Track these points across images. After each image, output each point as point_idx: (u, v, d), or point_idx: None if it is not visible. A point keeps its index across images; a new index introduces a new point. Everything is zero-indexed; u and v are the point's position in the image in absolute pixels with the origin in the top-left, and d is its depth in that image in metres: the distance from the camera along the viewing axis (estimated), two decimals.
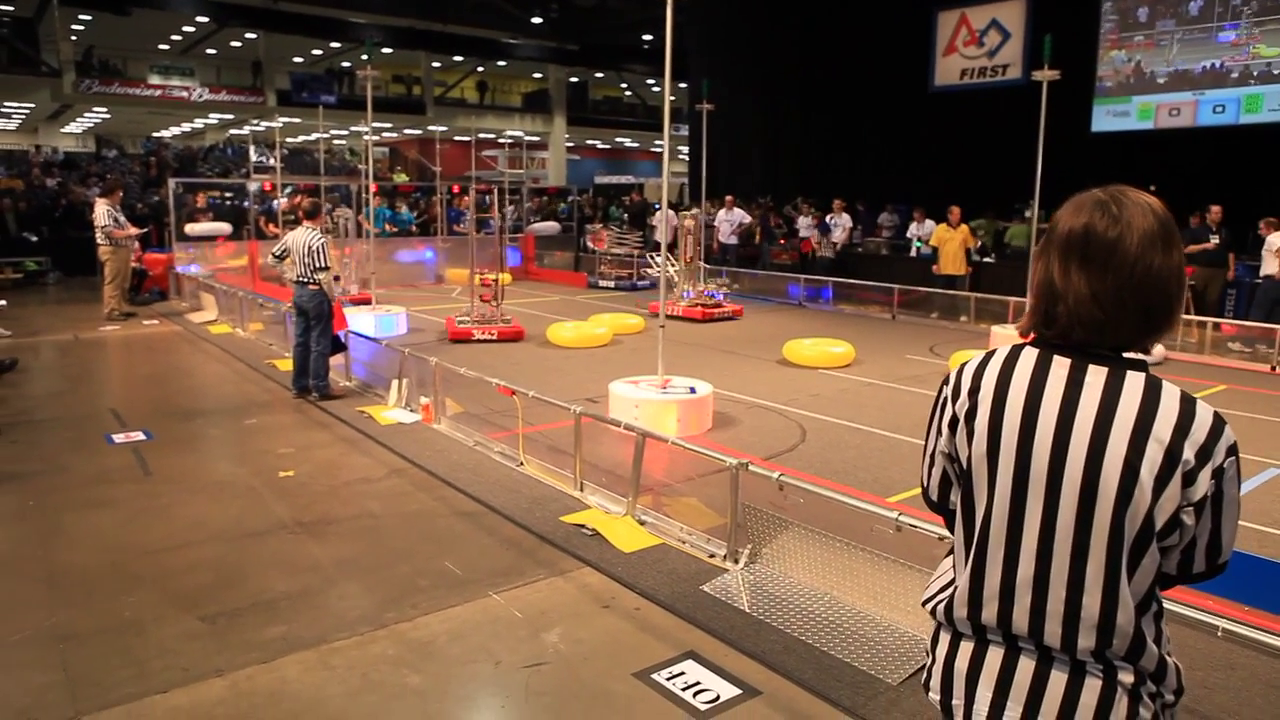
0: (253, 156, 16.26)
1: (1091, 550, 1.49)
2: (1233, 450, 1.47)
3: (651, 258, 14.07)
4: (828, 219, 16.88)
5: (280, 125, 37.01)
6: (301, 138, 41.70)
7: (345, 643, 3.78)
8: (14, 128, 36.63)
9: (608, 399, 7.16)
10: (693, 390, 7.03)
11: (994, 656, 1.63)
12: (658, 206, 21.89)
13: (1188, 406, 1.46)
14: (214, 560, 4.63)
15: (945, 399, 1.69)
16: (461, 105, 40.03)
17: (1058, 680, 1.56)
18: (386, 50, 35.67)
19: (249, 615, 4.02)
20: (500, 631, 3.90)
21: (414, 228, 18.00)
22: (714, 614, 4.02)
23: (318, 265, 7.72)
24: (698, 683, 3.47)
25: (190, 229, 14.75)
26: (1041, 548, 1.54)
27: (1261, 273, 11.17)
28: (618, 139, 45.43)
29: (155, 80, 31.13)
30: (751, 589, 4.23)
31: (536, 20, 34.26)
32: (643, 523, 5.04)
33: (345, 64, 38.49)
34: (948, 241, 13.25)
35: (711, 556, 4.61)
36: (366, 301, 12.40)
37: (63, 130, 36.90)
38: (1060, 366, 1.54)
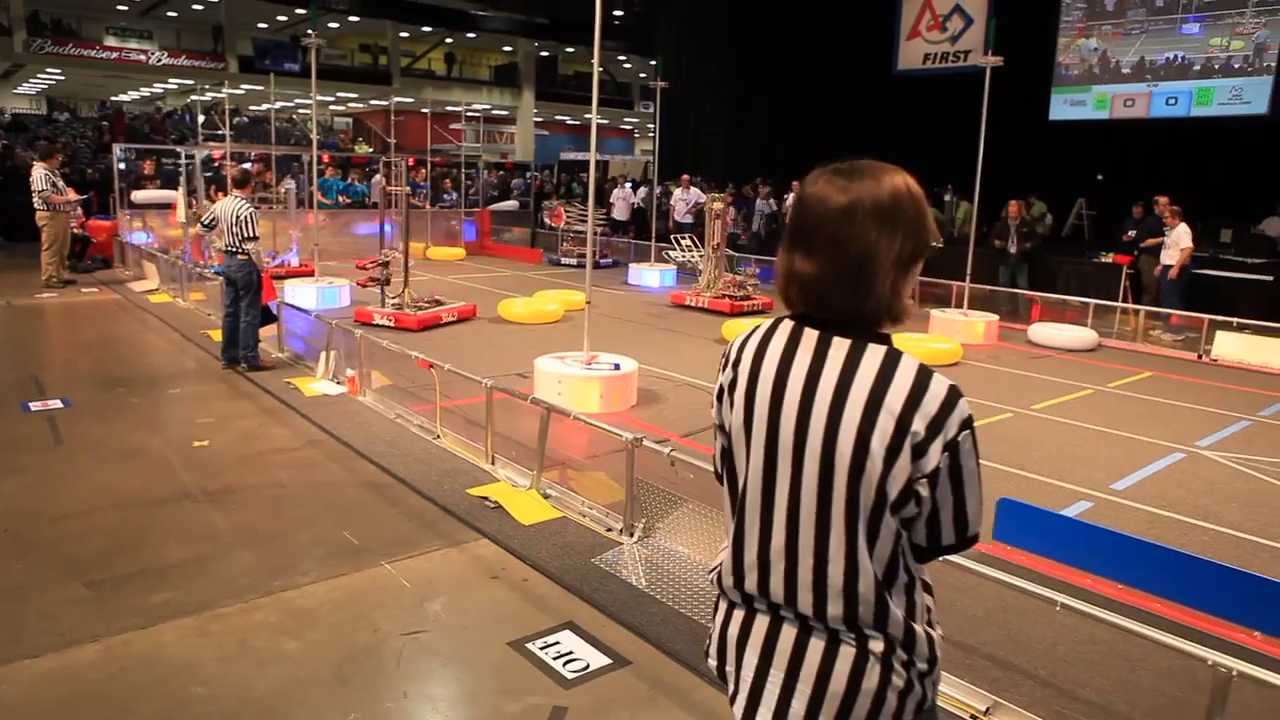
0: (201, 123, 15.98)
1: (833, 520, 1.53)
2: (967, 424, 1.49)
3: (677, 240, 13.53)
4: (777, 200, 16.94)
5: (243, 92, 36.50)
6: (266, 106, 41.05)
7: (228, 610, 3.81)
8: None
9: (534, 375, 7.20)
10: (617, 367, 7.08)
11: (760, 624, 1.67)
12: (630, 183, 21.84)
13: (922, 379, 1.48)
14: (111, 527, 4.62)
15: (719, 371, 1.73)
16: (429, 77, 39.57)
17: (815, 648, 1.60)
18: (353, 19, 35.16)
19: (137, 582, 4.03)
20: (385, 600, 3.94)
21: (368, 200, 17.81)
22: (600, 586, 4.09)
23: (246, 235, 7.65)
24: (570, 652, 3.54)
25: (138, 196, 14.51)
26: (790, 518, 1.57)
27: (1165, 261, 11.30)
28: (587, 115, 45.08)
29: (111, 42, 30.43)
30: (641, 562, 4.30)
31: None
32: (547, 496, 5.09)
33: (311, 31, 37.87)
34: None
35: (609, 530, 4.68)
36: (310, 273, 12.33)
37: (15, 91, 36.02)
38: (809, 339, 1.56)
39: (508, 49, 40.69)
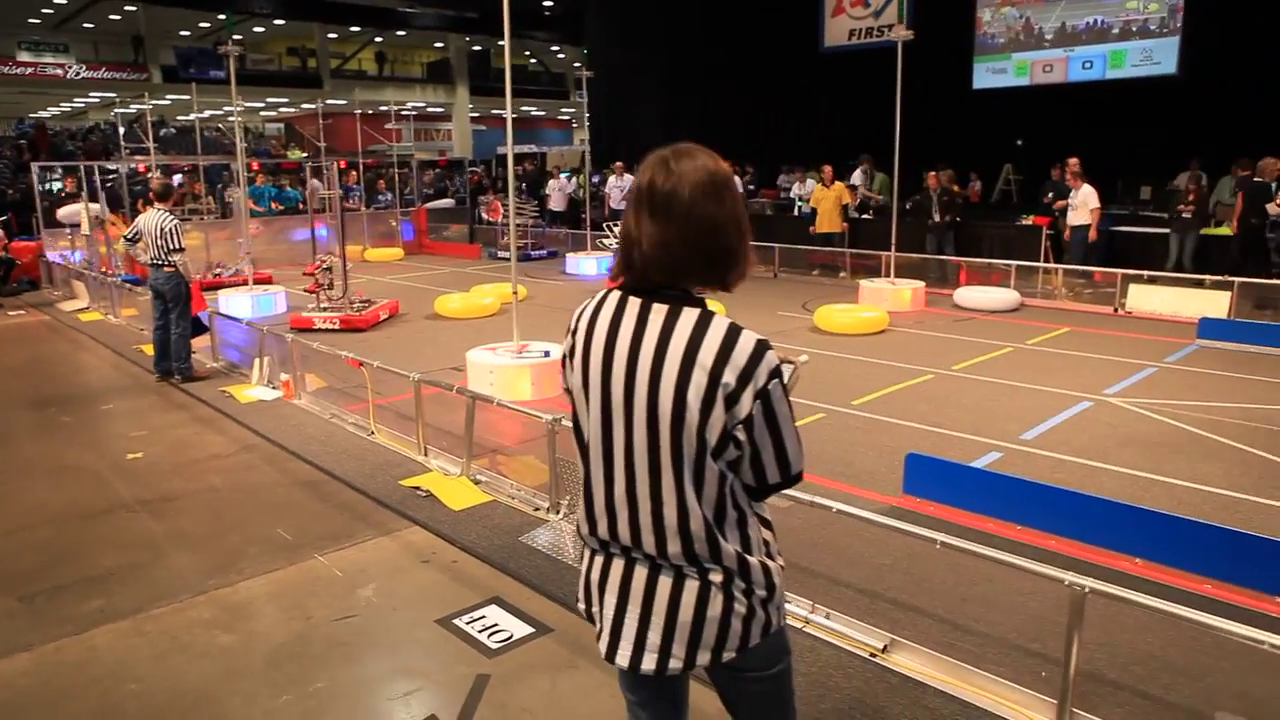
0: (123, 136, 15.73)
1: (663, 468, 1.72)
2: (775, 373, 1.68)
3: (609, 227, 13.57)
4: None
5: (169, 102, 35.71)
6: (195, 115, 40.26)
7: (162, 610, 3.90)
8: None
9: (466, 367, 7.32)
10: (547, 354, 7.22)
11: (616, 567, 1.86)
12: (568, 173, 21.89)
13: (731, 336, 1.66)
14: (44, 543, 4.67)
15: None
16: (361, 77, 39.13)
17: (664, 584, 1.79)
18: (279, 22, 34.63)
19: (71, 591, 4.10)
20: (318, 590, 4.06)
21: (301, 205, 17.67)
22: (526, 562, 4.25)
23: (171, 247, 7.64)
24: (495, 625, 3.70)
25: (62, 213, 14.27)
26: (627, 468, 1.77)
27: (1071, 223, 11.70)
28: (524, 107, 44.94)
29: (25, 57, 29.63)
30: (567, 536, 4.47)
31: None
32: (478, 482, 5.23)
33: (237, 36, 37.21)
34: (823, 200, 13.64)
35: (536, 509, 4.84)
36: (266, 280, 12.34)
37: None
38: (634, 306, 1.75)
39: (439, 45, 40.34)
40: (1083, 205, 11.39)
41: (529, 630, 3.66)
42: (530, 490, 4.99)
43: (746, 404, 1.65)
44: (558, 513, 4.73)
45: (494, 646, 3.53)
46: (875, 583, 3.98)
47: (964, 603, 3.81)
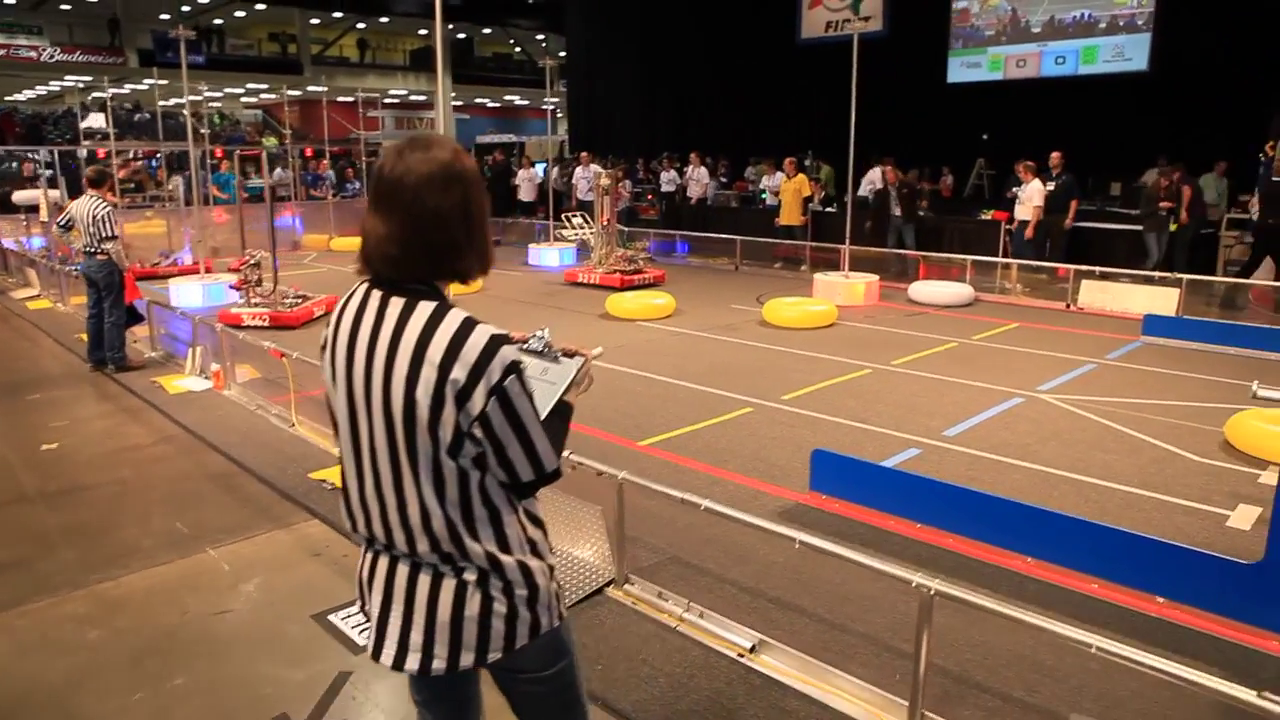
0: (83, 121, 15.56)
1: (402, 466, 1.69)
2: (511, 369, 1.64)
3: (568, 218, 13.50)
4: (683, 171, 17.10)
5: (146, 87, 35.38)
6: (174, 101, 39.89)
7: (37, 605, 3.84)
8: None
9: None
10: (537, 331, 7.14)
11: (381, 564, 1.83)
12: (544, 163, 21.70)
13: (464, 331, 1.62)
14: None
15: None
16: (343, 64, 38.85)
17: (424, 582, 1.77)
18: (260, 6, 34.34)
19: None
20: (201, 584, 4.01)
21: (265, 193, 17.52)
22: None
23: (104, 234, 7.54)
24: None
25: (18, 198, 14.11)
26: (372, 465, 1.74)
27: (1018, 217, 11.70)
28: (507, 97, 44.74)
29: None
30: None
31: None
32: None
33: (218, 21, 36.91)
34: (783, 193, 13.60)
35: None
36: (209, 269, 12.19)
37: None
38: (374, 300, 1.72)
39: (422, 32, 40.07)
40: (1028, 200, 11.41)
41: None
42: None
43: (479, 401, 1.62)
44: None
45: (363, 643, 3.46)
46: (761, 580, 3.95)
47: (844, 602, 3.78)
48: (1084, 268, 10.44)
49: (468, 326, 1.63)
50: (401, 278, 1.69)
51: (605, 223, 12.03)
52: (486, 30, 41.22)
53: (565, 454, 3.91)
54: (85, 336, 8.56)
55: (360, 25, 38.90)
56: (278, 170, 18.24)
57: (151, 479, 5.33)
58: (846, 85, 19.20)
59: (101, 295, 7.72)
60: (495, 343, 1.63)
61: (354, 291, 1.78)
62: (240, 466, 5.46)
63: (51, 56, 30.27)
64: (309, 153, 18.43)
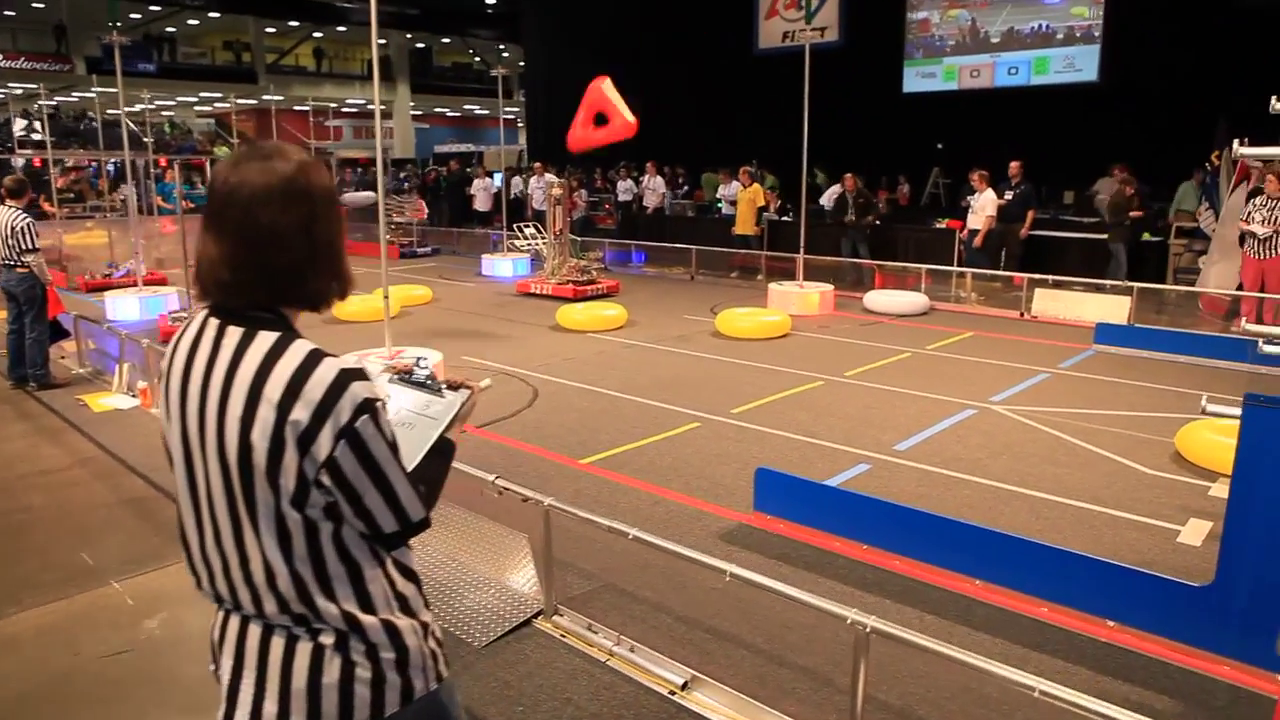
0: (17, 129, 15.05)
1: (242, 518, 1.47)
2: (364, 408, 1.42)
3: (520, 228, 13.20)
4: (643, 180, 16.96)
5: (94, 96, 34.65)
6: (127, 109, 39.04)
7: None
8: None
9: None
10: (420, 361, 6.89)
11: (233, 624, 1.61)
12: (500, 173, 21.44)
13: (307, 366, 1.41)
14: None
15: None
16: (299, 73, 38.34)
17: (277, 645, 1.54)
18: (214, 15, 33.76)
19: None
20: (100, 621, 3.73)
21: None
22: None
23: (24, 247, 7.19)
24: None
25: None
26: (210, 516, 1.52)
27: (970, 225, 11.74)
28: (466, 106, 44.43)
29: None
30: None
31: None
32: None
33: (171, 29, 36.25)
34: (739, 202, 13.50)
35: None
36: (160, 281, 11.83)
37: None
38: (211, 329, 1.50)
39: (382, 42, 39.63)
40: (980, 210, 11.44)
41: None
42: None
43: (325, 445, 1.40)
44: None
45: None
46: (699, 608, 3.75)
47: (785, 631, 3.60)
48: (1038, 276, 10.42)
49: (312, 360, 1.42)
50: (240, 305, 1.48)
51: (558, 232, 11.81)
52: (446, 40, 40.95)
53: (490, 478, 3.73)
54: (4, 353, 8.19)
55: (317, 34, 38.42)
56: None
57: (62, 506, 5.02)
58: (802, 95, 19.23)
59: (22, 310, 7.36)
60: (344, 378, 1.42)
61: (192, 319, 1.56)
62: (159, 490, 5.17)
63: None
64: None
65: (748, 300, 11.24)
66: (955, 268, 11.50)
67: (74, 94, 32.61)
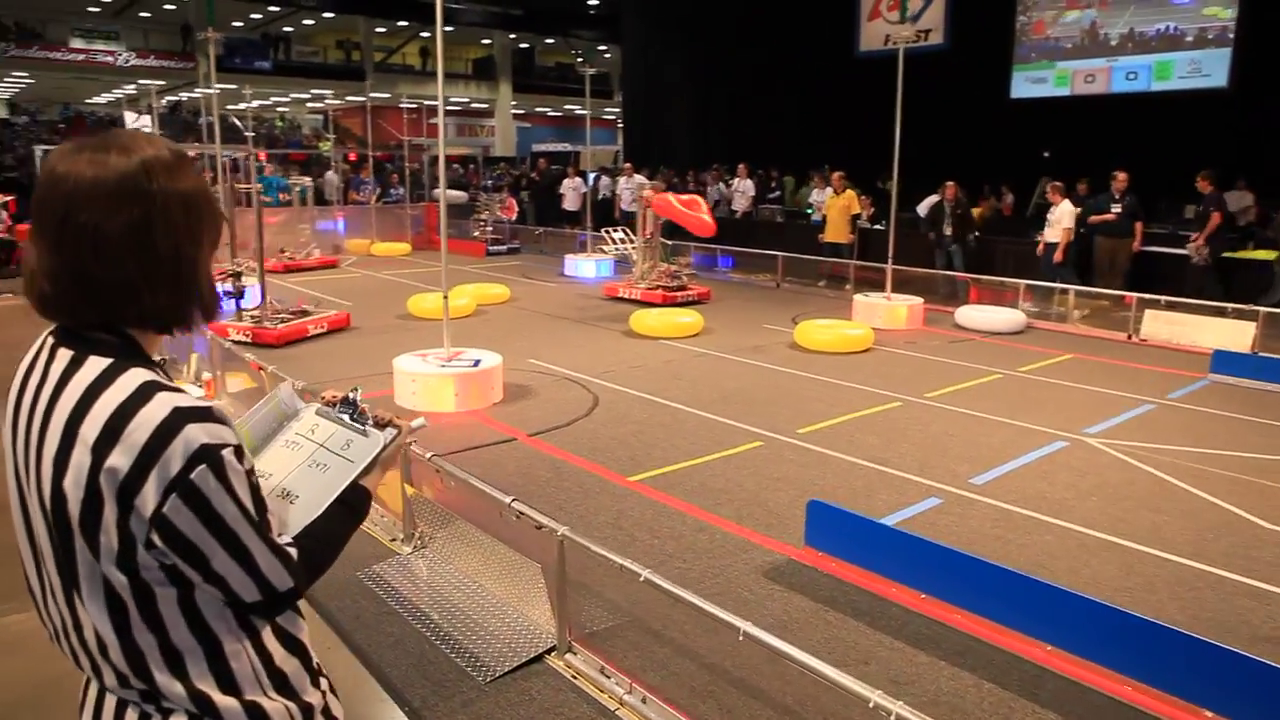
0: (130, 122, 15.68)
1: (69, 578, 1.23)
2: (203, 457, 1.16)
3: (609, 232, 13.01)
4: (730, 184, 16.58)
5: (217, 92, 36.19)
6: (244, 105, 40.72)
7: None
8: None
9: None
10: (477, 363, 6.73)
11: (92, 689, 1.37)
12: (594, 173, 21.41)
13: (134, 402, 1.16)
14: None
15: None
16: (406, 72, 39.22)
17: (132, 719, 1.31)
18: (328, 15, 34.84)
19: None
20: None
21: (309, 198, 17.51)
22: (350, 603, 3.76)
23: None
24: None
25: None
26: (45, 570, 1.28)
27: (1046, 239, 11.11)
28: (567, 106, 44.71)
29: (78, 44, 30.20)
30: (406, 575, 3.97)
31: None
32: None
33: (288, 29, 37.61)
34: (830, 208, 12.97)
35: (392, 539, 4.35)
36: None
37: None
38: (44, 352, 1.27)
39: (486, 42, 40.27)
40: (1057, 223, 10.90)
41: None
42: (395, 516, 4.50)
43: (151, 499, 1.15)
44: (409, 546, 4.23)
45: None
46: (728, 655, 3.40)
47: (821, 691, 3.19)
48: (1149, 296, 9.61)
49: (141, 395, 1.16)
50: (73, 323, 1.24)
51: (648, 236, 11.48)
52: (549, 40, 41.28)
53: (507, 500, 3.45)
54: None
55: (424, 34, 39.22)
56: (329, 173, 18.21)
57: None
58: (907, 99, 18.52)
59: None
60: (176, 419, 1.15)
61: (39, 340, 1.32)
62: None
63: (127, 61, 31.10)
64: (352, 158, 18.36)
65: (834, 311, 10.74)
66: (1058, 284, 10.73)
67: (195, 90, 34.07)
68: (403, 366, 6.67)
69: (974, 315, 10.00)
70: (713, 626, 3.55)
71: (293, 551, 1.30)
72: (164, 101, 37.74)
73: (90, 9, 31.14)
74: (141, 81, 34.79)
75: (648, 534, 4.51)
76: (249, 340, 8.69)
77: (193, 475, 1.15)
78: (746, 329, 9.87)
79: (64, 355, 1.22)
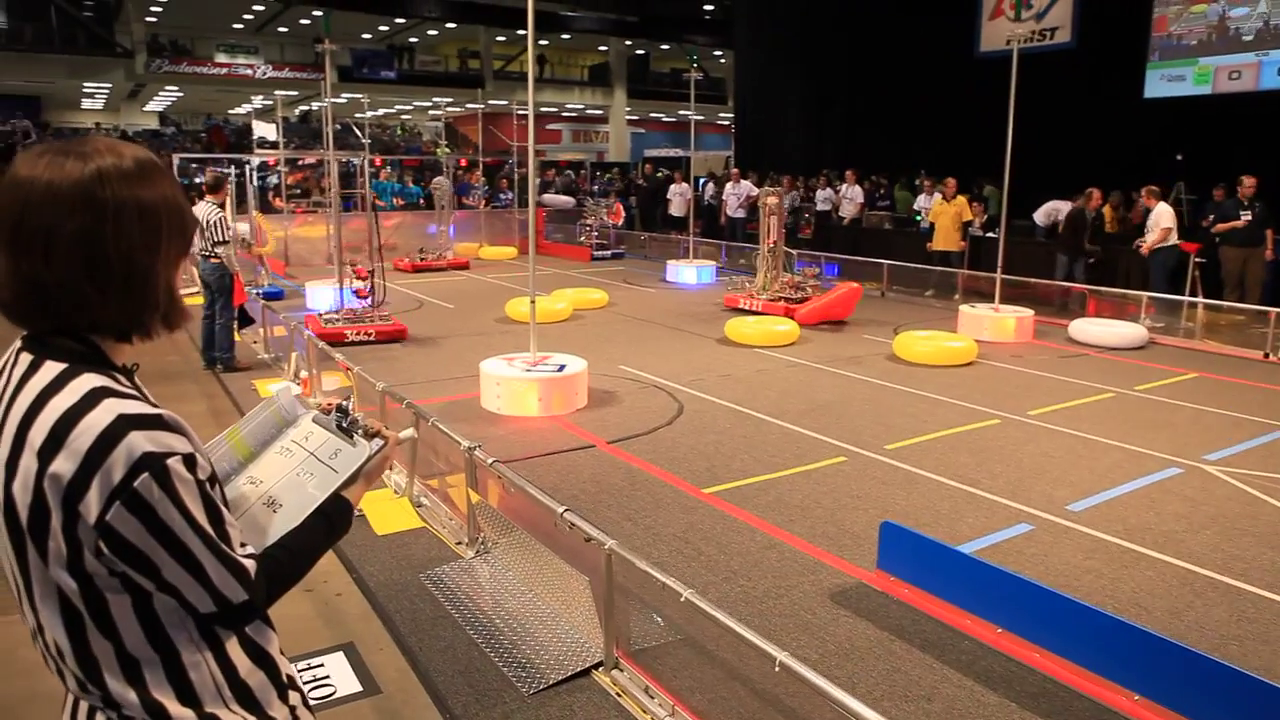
0: (256, 131, 16.53)
1: (26, 580, 1.24)
2: (145, 464, 1.14)
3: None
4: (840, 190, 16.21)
5: (344, 101, 37.91)
6: (371, 114, 42.46)
7: None
8: (100, 106, 38.37)
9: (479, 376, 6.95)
10: (562, 368, 6.74)
11: (70, 697, 1.39)
12: (702, 179, 21.36)
13: (80, 408, 1.15)
14: None
15: None
16: (524, 80, 40.11)
17: None
18: (450, 25, 36.01)
19: None
20: None
21: (421, 201, 18.06)
22: (408, 605, 3.80)
23: (217, 239, 7.73)
24: (326, 678, 3.27)
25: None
26: (10, 576, 1.30)
27: (1169, 242, 10.52)
28: (681, 111, 44.76)
29: (222, 59, 32.16)
30: (465, 580, 3.98)
31: None
32: (419, 505, 4.84)
33: (413, 40, 39.06)
34: (941, 215, 12.48)
35: (458, 543, 4.38)
36: (360, 275, 12.51)
37: (143, 109, 38.46)
38: (12, 356, 1.28)
39: (603, 49, 40.78)
40: (1155, 226, 10.36)
41: (356, 689, 3.21)
42: (461, 520, 4.53)
43: (95, 506, 1.14)
44: (473, 551, 4.25)
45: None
46: (781, 683, 3.22)
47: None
48: None
49: (88, 401, 1.16)
50: (32, 329, 1.25)
51: (771, 245, 11.19)
52: (665, 46, 41.45)
53: (559, 509, 3.41)
54: None
55: (542, 42, 40.01)
56: (438, 178, 18.71)
57: None
58: (1030, 101, 17.72)
59: (214, 297, 7.91)
60: (119, 426, 1.14)
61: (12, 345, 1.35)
62: None
63: (264, 74, 32.90)
64: (463, 163, 18.84)
65: (940, 322, 10.34)
66: (1186, 296, 10.01)
67: (323, 100, 35.75)
68: (488, 370, 6.74)
69: (1090, 329, 9.42)
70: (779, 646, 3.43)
71: (249, 564, 1.27)
72: (296, 111, 39.81)
73: (234, 25, 33.17)
74: (277, 92, 36.86)
75: (715, 549, 4.39)
76: (371, 339, 9.05)
77: (136, 484, 1.14)
78: (845, 339, 9.59)
79: (24, 360, 1.23)
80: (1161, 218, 10.44)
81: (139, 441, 1.14)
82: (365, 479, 1.54)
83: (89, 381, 1.18)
